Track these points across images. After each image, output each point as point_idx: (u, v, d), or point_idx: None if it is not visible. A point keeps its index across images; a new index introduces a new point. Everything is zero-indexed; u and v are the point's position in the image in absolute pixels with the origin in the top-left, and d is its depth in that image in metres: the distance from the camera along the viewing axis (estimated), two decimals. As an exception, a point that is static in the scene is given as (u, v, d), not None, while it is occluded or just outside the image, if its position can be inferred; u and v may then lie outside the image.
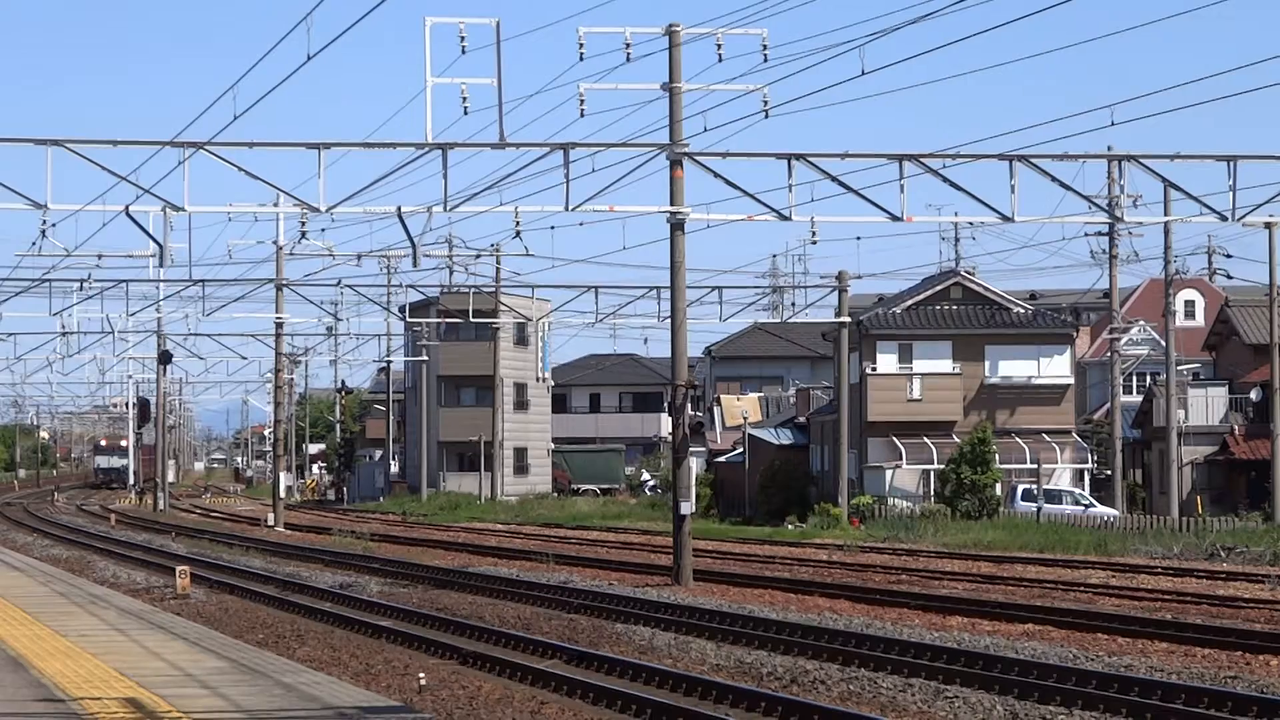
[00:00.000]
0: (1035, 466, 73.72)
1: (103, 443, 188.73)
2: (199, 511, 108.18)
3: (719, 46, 41.17)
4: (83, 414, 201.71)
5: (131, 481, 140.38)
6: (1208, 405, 78.30)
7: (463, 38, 35.85)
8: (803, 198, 39.85)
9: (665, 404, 68.81)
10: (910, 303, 77.92)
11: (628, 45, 41.37)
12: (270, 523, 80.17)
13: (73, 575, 43.68)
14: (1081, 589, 39.98)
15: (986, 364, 76.45)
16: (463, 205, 40.24)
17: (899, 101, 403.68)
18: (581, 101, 40.59)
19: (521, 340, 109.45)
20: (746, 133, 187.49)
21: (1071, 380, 77.70)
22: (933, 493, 73.20)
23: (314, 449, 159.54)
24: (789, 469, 79.71)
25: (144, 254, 63.07)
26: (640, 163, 41.34)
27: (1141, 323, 77.25)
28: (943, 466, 71.96)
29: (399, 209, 39.05)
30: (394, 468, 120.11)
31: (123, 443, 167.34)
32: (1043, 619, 32.37)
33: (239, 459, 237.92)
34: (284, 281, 77.63)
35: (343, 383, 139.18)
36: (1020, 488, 71.96)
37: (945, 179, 38.15)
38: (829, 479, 75.51)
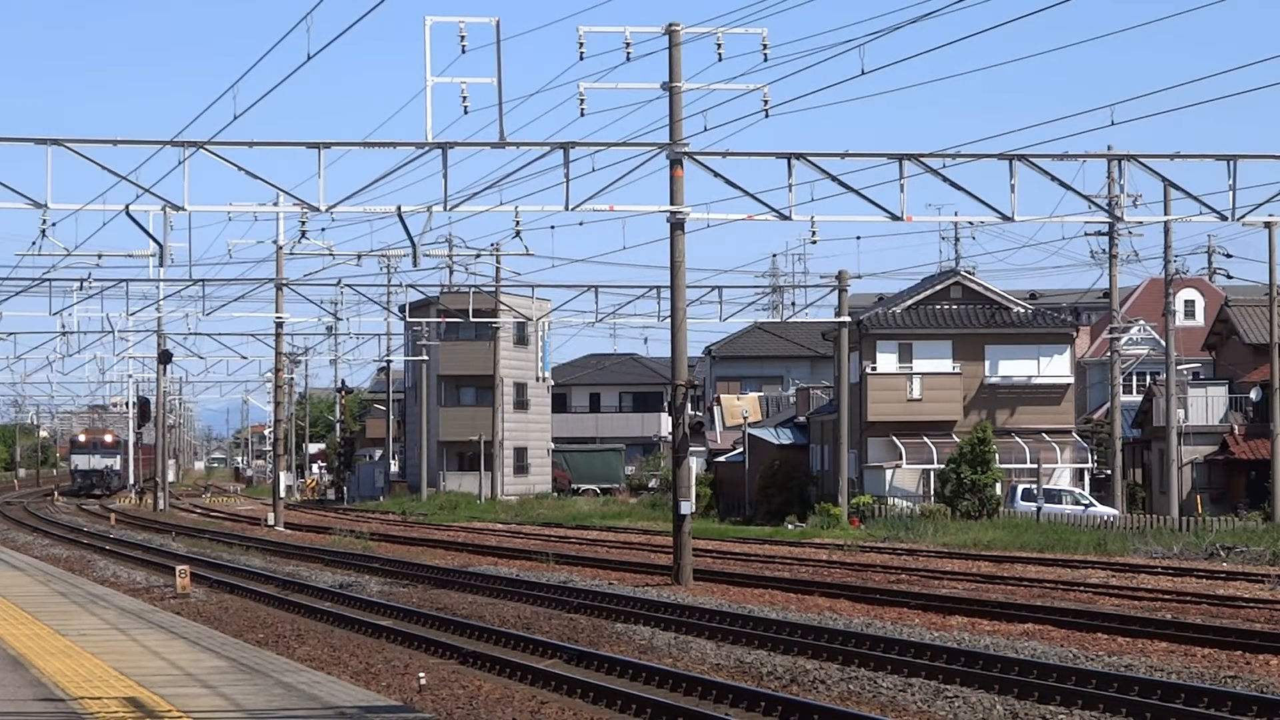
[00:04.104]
0: (1035, 466, 73.73)
1: (80, 438, 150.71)
2: (199, 511, 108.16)
3: (719, 46, 41.16)
4: (82, 413, 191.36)
5: (132, 482, 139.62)
6: (1208, 405, 78.29)
7: (463, 37, 35.82)
8: (803, 197, 39.85)
9: (665, 404, 68.82)
10: (910, 302, 77.92)
11: (628, 45, 41.36)
12: (270, 522, 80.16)
13: (73, 575, 43.68)
14: (1081, 589, 39.98)
15: (986, 364, 76.47)
16: (463, 205, 40.21)
17: (899, 101, 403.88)
18: (581, 101, 40.59)
19: (521, 340, 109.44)
20: (746, 132, 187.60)
21: (1071, 380, 77.73)
22: (933, 492, 73.21)
23: (314, 449, 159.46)
24: (789, 469, 79.71)
25: (144, 253, 63.06)
26: (640, 162, 41.34)
27: (1141, 322, 77.27)
28: (943, 466, 71.97)
29: (399, 208, 39.01)
30: (394, 467, 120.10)
31: (107, 437, 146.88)
32: (1043, 619, 32.38)
33: (239, 458, 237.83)
34: (284, 281, 77.61)
35: (343, 382, 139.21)
36: (1020, 487, 71.96)
37: (945, 179, 38.13)
38: (829, 479, 75.51)
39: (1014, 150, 38.46)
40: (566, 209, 38.80)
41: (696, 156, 40.65)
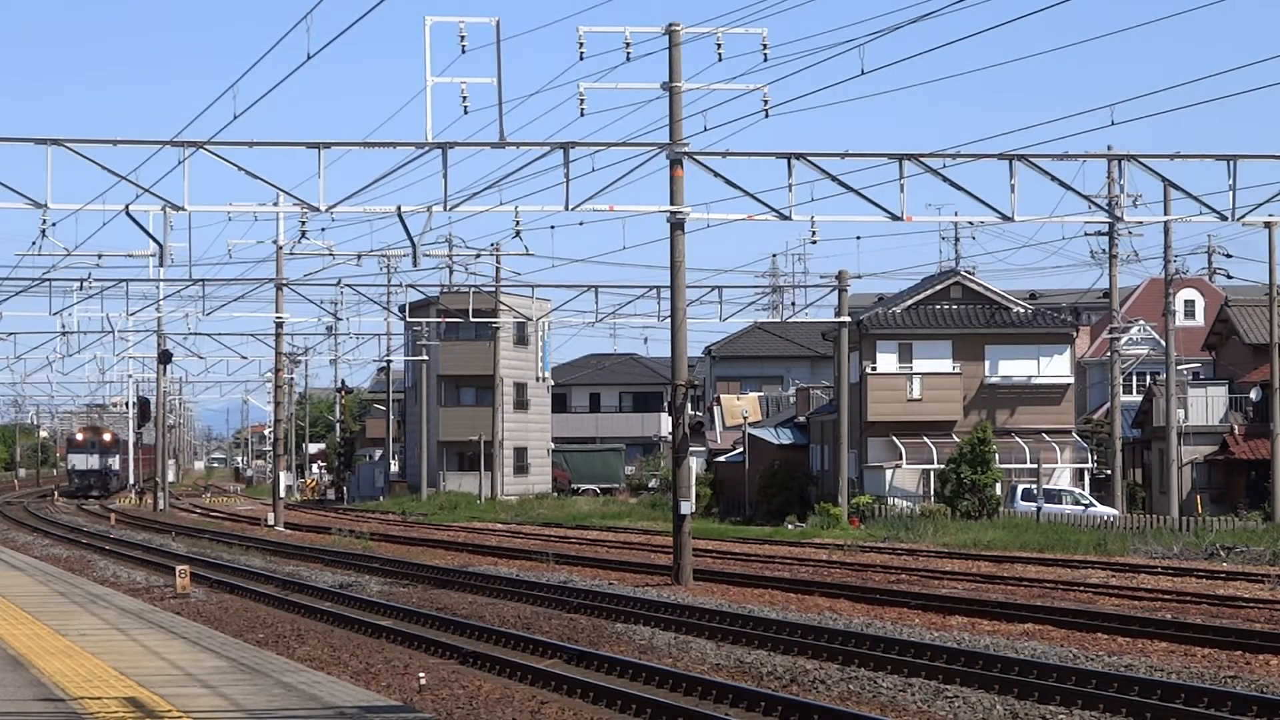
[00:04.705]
0: (1035, 466, 73.71)
1: (78, 436, 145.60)
2: (199, 511, 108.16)
3: (719, 46, 41.16)
4: (81, 413, 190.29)
5: (132, 482, 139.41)
6: (1208, 405, 78.30)
7: (463, 37, 35.82)
8: (803, 197, 39.84)
9: (665, 404, 68.88)
10: (910, 302, 77.92)
11: (628, 45, 41.36)
12: (270, 522, 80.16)
13: (73, 575, 43.67)
14: (1081, 589, 39.98)
15: (986, 364, 76.47)
16: (463, 205, 40.21)
17: (899, 101, 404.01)
18: (581, 101, 40.59)
19: (521, 340, 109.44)
20: (746, 132, 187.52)
21: (1071, 380, 77.72)
22: (933, 492, 73.20)
23: (314, 449, 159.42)
24: (789, 469, 79.70)
25: (144, 253, 63.06)
26: (640, 162, 41.33)
27: (1141, 322, 77.27)
28: (943, 466, 71.96)
29: (399, 208, 39.01)
30: (394, 467, 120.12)
31: (105, 436, 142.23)
32: (1043, 619, 32.38)
33: (239, 459, 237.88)
34: (284, 281, 77.61)
35: (343, 382, 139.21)
36: (1020, 487, 71.96)
37: (945, 179, 38.13)
38: (829, 479, 75.50)
39: (1014, 150, 38.46)
40: (566, 209, 38.80)
41: (696, 156, 40.64)
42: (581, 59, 40.75)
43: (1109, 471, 75.11)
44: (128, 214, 38.73)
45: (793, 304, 76.85)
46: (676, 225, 43.27)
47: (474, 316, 73.45)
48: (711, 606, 34.36)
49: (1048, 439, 75.67)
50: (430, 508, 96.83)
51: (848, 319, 71.43)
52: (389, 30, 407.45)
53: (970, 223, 67.21)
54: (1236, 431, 76.85)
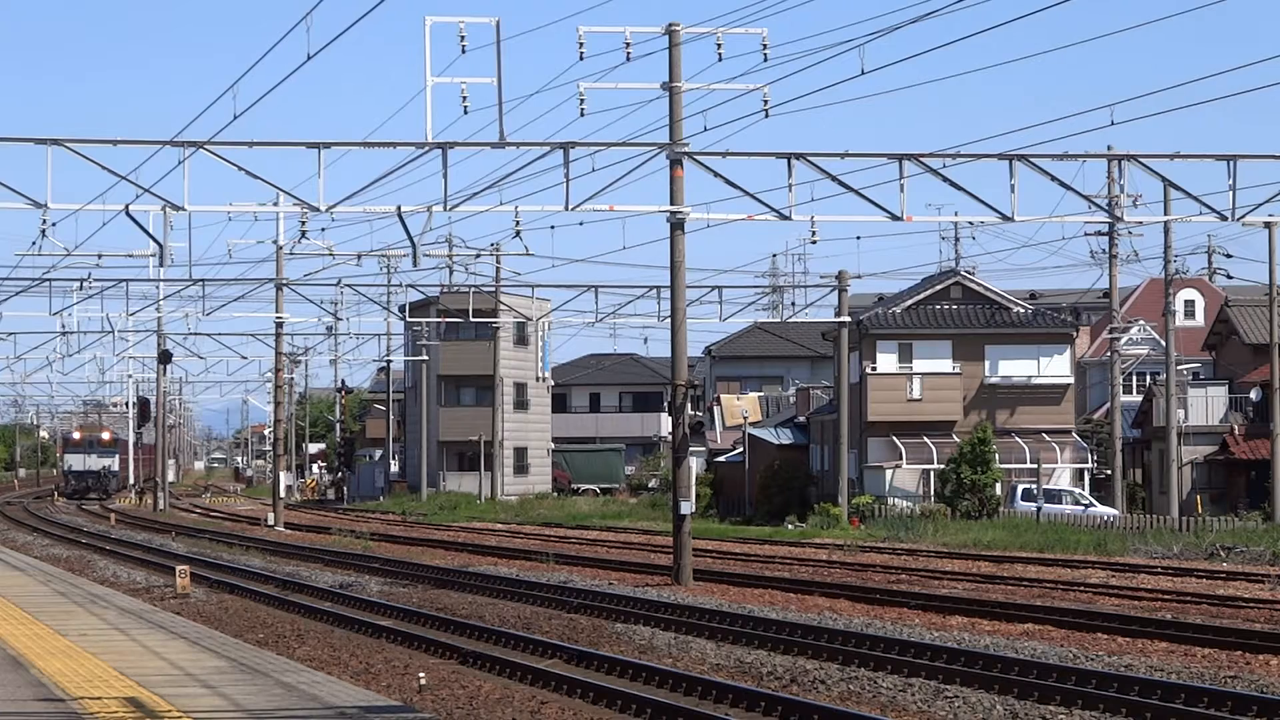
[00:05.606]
0: (1035, 466, 73.72)
1: (75, 435, 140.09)
2: (199, 511, 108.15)
3: (719, 46, 41.17)
4: (81, 414, 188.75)
5: (131, 482, 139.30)
6: (1208, 405, 78.30)
7: (463, 37, 35.84)
8: (803, 197, 39.86)
9: (665, 404, 68.92)
10: (910, 302, 77.94)
11: (628, 45, 41.37)
12: (270, 522, 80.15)
13: (73, 575, 43.68)
14: (1081, 589, 39.99)
15: (986, 364, 76.48)
16: (463, 205, 40.22)
17: (899, 101, 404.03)
18: (581, 101, 40.59)
19: (521, 340, 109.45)
20: (746, 132, 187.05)
21: (1071, 380, 77.74)
22: (933, 492, 73.22)
23: (314, 449, 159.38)
24: (789, 469, 79.71)
25: (144, 253, 63.06)
26: (640, 162, 41.35)
27: (1141, 322, 77.30)
28: (943, 466, 71.98)
29: (399, 208, 39.02)
30: (394, 467, 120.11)
31: (104, 435, 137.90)
32: (1043, 619, 32.38)
33: (239, 459, 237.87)
34: (284, 281, 77.60)
35: (343, 382, 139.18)
36: (1020, 487, 71.97)
37: (945, 179, 38.14)
38: (829, 479, 75.51)
39: (1014, 150, 38.47)
40: (566, 209, 38.81)
41: (696, 156, 40.64)
42: (581, 59, 40.81)
43: (1109, 471, 75.10)
44: (128, 214, 38.74)
45: (793, 304, 76.89)
46: (676, 225, 43.28)
47: (474, 316, 73.48)
48: (711, 606, 34.36)
49: (1048, 439, 75.68)
50: (430, 508, 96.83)
51: (848, 319, 71.44)
52: (389, 30, 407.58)
53: (970, 223, 67.14)
54: (1236, 431, 76.84)
